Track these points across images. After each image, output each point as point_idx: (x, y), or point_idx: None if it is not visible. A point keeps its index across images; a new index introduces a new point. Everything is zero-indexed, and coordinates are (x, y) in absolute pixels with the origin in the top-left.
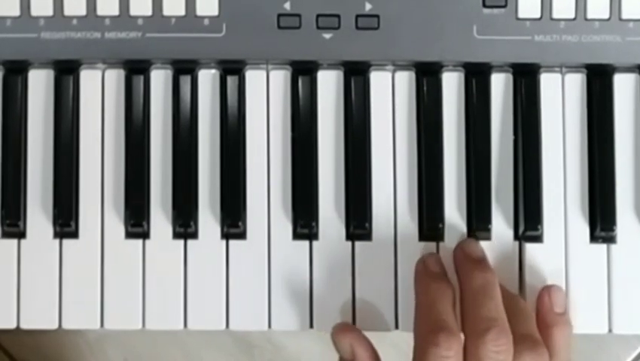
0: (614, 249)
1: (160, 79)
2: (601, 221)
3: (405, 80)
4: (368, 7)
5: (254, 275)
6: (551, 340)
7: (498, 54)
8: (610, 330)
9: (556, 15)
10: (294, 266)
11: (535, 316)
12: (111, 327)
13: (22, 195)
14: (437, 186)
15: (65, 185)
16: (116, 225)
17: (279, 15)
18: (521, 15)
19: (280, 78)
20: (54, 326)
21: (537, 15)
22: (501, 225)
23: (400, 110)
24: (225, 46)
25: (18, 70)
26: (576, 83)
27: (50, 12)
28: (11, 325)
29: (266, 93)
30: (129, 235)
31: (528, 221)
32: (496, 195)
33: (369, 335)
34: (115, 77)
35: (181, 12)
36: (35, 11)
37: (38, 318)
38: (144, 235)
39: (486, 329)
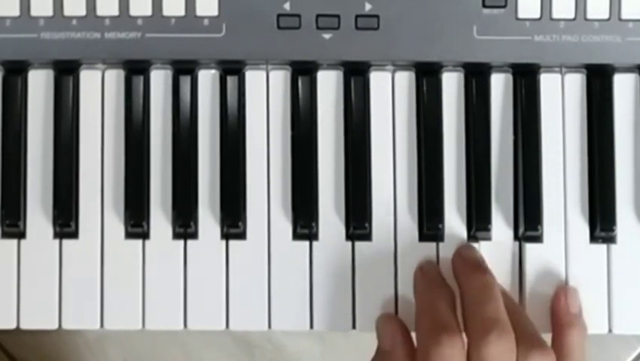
0: (614, 249)
1: (159, 79)
2: (601, 221)
3: (405, 80)
4: (368, 7)
5: (254, 275)
6: (566, 340)
7: (498, 54)
8: (610, 330)
9: (555, 15)
10: (294, 266)
11: (551, 316)
12: (111, 327)
13: (22, 195)
14: (437, 187)
15: (65, 185)
16: (116, 225)
17: (279, 15)
18: (521, 15)
19: (280, 78)
20: (54, 326)
21: (537, 15)
22: (501, 225)
23: (400, 111)
24: (225, 46)
25: (18, 70)
26: (576, 84)
27: (49, 12)
28: (11, 325)
29: (265, 93)
30: (129, 235)
31: (528, 221)
32: (496, 196)
33: (369, 335)
34: (115, 78)
35: (181, 12)
36: (34, 11)
37: (38, 318)
38: (144, 235)
39: (489, 329)
